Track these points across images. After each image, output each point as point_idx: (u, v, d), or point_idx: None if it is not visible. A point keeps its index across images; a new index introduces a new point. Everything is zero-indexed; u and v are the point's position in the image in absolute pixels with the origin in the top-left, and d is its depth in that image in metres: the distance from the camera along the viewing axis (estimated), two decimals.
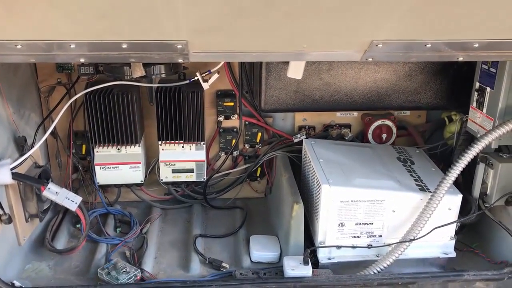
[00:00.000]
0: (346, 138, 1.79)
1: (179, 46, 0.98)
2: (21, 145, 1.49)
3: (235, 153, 1.84)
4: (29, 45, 0.95)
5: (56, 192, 1.43)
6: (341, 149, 1.68)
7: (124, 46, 0.96)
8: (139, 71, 1.40)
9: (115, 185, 1.75)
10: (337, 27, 0.97)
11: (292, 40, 1.00)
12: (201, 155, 1.72)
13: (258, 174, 1.88)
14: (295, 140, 1.77)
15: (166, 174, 1.73)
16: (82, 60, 1.02)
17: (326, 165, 1.54)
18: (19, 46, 0.95)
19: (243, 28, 0.95)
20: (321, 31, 0.98)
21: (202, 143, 1.71)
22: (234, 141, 1.81)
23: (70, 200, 1.44)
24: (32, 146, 1.50)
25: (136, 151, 1.68)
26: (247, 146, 1.84)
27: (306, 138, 1.74)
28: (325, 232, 1.48)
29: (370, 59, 1.07)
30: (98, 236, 1.65)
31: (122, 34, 0.94)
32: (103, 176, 1.69)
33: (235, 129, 1.82)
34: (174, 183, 1.79)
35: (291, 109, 1.72)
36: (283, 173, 1.67)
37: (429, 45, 1.01)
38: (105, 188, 1.79)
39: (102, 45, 0.96)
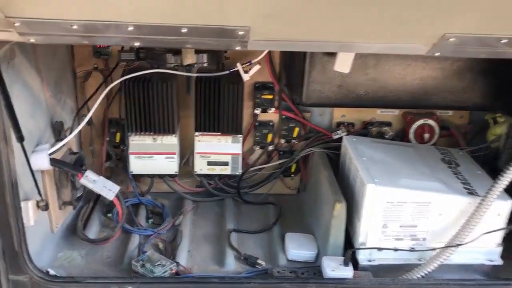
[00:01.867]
0: (387, 137, 1.73)
1: (240, 33, 0.93)
2: (58, 131, 1.45)
3: (270, 148, 1.79)
4: (86, 26, 0.91)
5: (94, 180, 1.39)
6: (383, 147, 1.63)
7: (184, 30, 0.92)
8: (190, 58, 1.36)
9: (148, 175, 1.72)
10: (409, 18, 0.91)
11: (359, 30, 0.95)
12: (237, 148, 1.68)
13: (293, 170, 1.83)
14: (335, 137, 1.71)
15: (201, 166, 1.69)
16: (137, 44, 0.97)
17: (369, 164, 1.48)
18: (75, 27, 0.91)
19: (310, 16, 0.90)
20: (391, 22, 0.93)
21: (239, 136, 1.66)
22: (270, 135, 1.76)
23: (107, 189, 1.40)
24: (70, 132, 1.46)
25: (172, 141, 1.64)
26: (282, 141, 1.79)
27: (347, 135, 1.68)
28: (366, 233, 1.43)
29: (437, 54, 1.02)
30: (131, 226, 1.62)
31: (184, 18, 0.89)
32: (137, 165, 1.66)
33: (271, 123, 1.77)
34: (207, 176, 1.75)
35: (333, 104, 1.67)
36: (322, 170, 1.62)
37: (504, 41, 0.95)
38: (137, 177, 1.75)
39: (161, 29, 0.91)
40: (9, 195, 1.11)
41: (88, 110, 1.51)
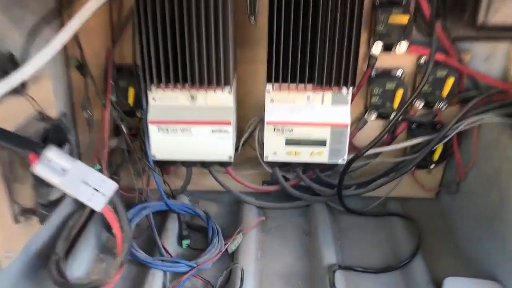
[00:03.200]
0: None
1: None
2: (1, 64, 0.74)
3: (391, 117, 1.01)
4: None
5: (63, 169, 0.67)
6: None
7: None
8: None
9: (183, 163, 0.99)
10: None
11: None
12: (343, 114, 0.91)
13: (435, 158, 1.04)
14: None
15: (274, 148, 0.94)
16: None
17: None
18: None
19: None
20: None
21: (346, 91, 0.90)
22: (399, 92, 0.98)
23: (93, 189, 0.68)
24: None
25: (224, 101, 0.90)
26: (418, 104, 1.00)
27: None
28: None
29: None
30: (150, 256, 0.89)
31: None
32: (162, 144, 0.93)
33: (399, 73, 0.99)
34: (285, 166, 1.00)
35: None
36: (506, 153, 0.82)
37: None
38: (165, 166, 1.03)
39: None
40: None
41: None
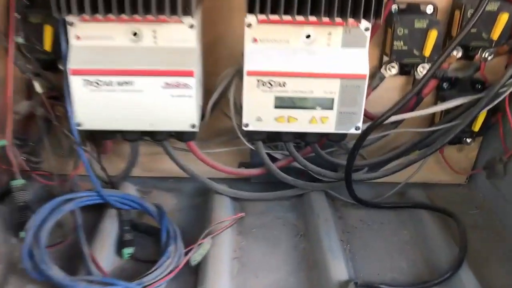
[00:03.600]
0: None
1: None
2: None
3: (418, 71, 0.73)
4: None
5: None
6: None
7: None
8: None
9: (123, 135, 0.68)
10: None
11: None
12: (360, 60, 0.62)
13: (476, 128, 0.76)
14: None
15: (257, 111, 0.65)
16: None
17: None
18: None
19: None
20: None
21: (369, 24, 0.61)
22: (432, 33, 0.69)
23: None
24: None
25: (183, 39, 0.61)
26: (456, 53, 0.72)
27: None
28: None
29: None
30: (72, 274, 0.59)
31: None
32: (92, 106, 0.63)
33: (430, 9, 0.71)
34: (271, 140, 0.70)
35: None
36: None
37: None
38: (100, 141, 0.72)
39: None
40: None
41: None
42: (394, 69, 0.74)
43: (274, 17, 0.60)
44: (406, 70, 0.74)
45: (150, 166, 0.82)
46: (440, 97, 0.77)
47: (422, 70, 0.73)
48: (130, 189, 0.78)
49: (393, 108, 0.67)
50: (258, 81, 0.63)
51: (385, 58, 0.74)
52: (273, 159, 0.77)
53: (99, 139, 0.73)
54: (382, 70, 0.74)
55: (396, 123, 0.77)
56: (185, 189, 0.82)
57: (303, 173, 0.79)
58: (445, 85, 0.76)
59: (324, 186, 0.79)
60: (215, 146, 0.79)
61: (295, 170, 0.79)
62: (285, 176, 0.77)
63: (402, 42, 0.70)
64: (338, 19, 0.59)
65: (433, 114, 0.78)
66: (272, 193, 0.80)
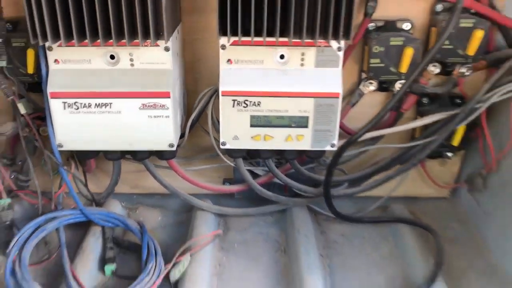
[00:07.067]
0: None
1: None
2: None
3: (396, 87, 0.74)
4: None
5: None
6: None
7: None
8: None
9: (105, 154, 0.69)
10: None
11: None
12: (333, 79, 0.64)
13: (455, 143, 0.77)
14: None
15: (234, 130, 0.66)
16: None
17: None
18: None
19: None
20: None
21: (337, 46, 0.62)
22: (408, 51, 0.70)
23: None
24: None
25: (159, 62, 0.62)
26: (433, 69, 0.73)
27: None
28: None
29: None
30: None
31: None
32: (71, 127, 0.64)
33: (406, 26, 0.72)
34: (251, 156, 0.72)
35: None
36: None
37: None
38: (82, 159, 0.74)
39: None
40: None
41: None
42: (372, 85, 0.74)
43: (247, 39, 0.61)
44: (384, 86, 0.75)
45: (136, 183, 0.84)
46: (420, 113, 0.77)
47: (400, 86, 0.74)
48: (116, 206, 0.80)
49: (368, 125, 0.68)
50: (233, 101, 0.64)
51: (364, 75, 0.76)
52: (255, 175, 0.78)
53: (81, 158, 0.74)
54: (361, 86, 0.75)
55: (376, 139, 0.78)
56: (171, 205, 0.83)
57: (286, 188, 0.80)
58: (424, 100, 0.77)
59: (306, 201, 0.80)
60: (199, 163, 0.80)
61: (278, 186, 0.80)
62: (266, 192, 0.77)
63: (378, 60, 0.71)
64: (310, 40, 0.61)
65: (414, 130, 0.79)
66: (255, 208, 0.81)
